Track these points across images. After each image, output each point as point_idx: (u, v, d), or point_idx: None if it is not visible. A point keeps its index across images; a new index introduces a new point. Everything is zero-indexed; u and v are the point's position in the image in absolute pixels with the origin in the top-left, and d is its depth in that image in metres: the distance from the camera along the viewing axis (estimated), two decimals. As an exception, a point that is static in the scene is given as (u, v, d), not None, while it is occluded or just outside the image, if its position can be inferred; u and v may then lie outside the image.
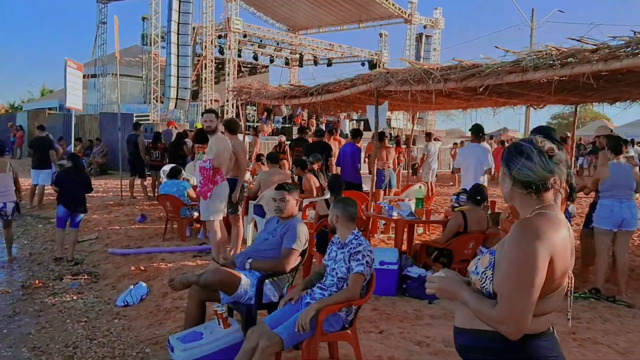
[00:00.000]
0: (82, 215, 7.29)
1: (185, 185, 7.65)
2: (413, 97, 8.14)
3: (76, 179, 7.04)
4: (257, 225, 7.26)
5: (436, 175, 14.00)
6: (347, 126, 25.09)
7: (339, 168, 9.21)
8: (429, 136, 13.25)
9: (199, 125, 16.15)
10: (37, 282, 6.05)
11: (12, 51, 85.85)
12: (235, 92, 11.69)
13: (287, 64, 28.50)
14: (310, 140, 12.75)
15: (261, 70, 29.34)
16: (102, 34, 25.07)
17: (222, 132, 6.36)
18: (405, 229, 6.22)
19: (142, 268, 6.20)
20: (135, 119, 17.21)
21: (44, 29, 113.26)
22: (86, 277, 6.21)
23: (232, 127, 6.35)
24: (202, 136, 12.40)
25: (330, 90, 8.43)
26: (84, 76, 15.59)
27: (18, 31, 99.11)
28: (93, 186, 12.86)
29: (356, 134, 8.67)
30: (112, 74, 25.83)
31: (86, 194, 7.26)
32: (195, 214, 7.73)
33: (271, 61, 27.82)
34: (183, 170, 8.59)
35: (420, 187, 7.56)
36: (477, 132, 6.89)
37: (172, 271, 6.03)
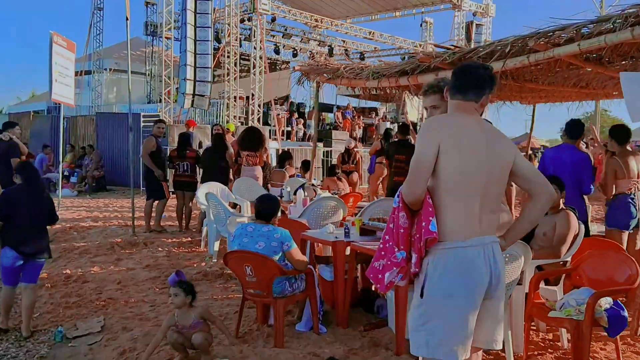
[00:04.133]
0: (42, 260, 4.36)
1: (283, 235, 3.74)
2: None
3: (32, 205, 4.23)
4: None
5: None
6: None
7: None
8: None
9: (232, 127, 12.32)
10: None
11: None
12: (304, 73, 7.90)
13: (312, 58, 24.72)
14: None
15: (281, 67, 25.54)
16: (97, 22, 21.23)
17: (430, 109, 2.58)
18: None
19: None
20: (142, 119, 13.41)
21: (32, 26, 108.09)
22: None
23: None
24: (251, 139, 8.62)
25: (518, 53, 4.70)
26: (76, 73, 11.90)
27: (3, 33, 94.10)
28: (91, 208, 9.00)
29: (577, 129, 4.77)
30: (110, 69, 22.03)
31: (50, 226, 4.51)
32: (302, 286, 3.90)
33: (294, 55, 24.04)
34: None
35: None
36: None
37: None
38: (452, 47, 5.12)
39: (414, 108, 26.06)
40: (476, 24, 22.82)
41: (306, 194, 6.41)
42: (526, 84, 5.81)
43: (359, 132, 20.33)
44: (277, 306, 3.71)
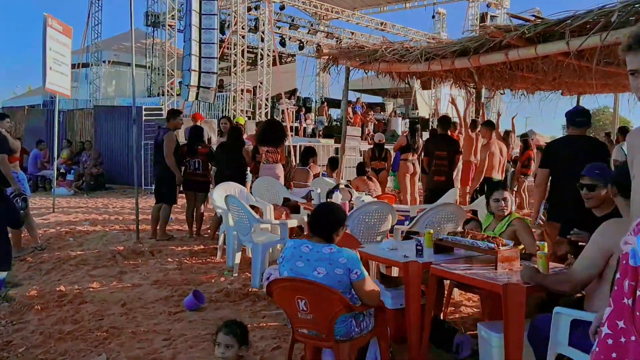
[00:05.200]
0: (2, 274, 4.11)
1: (350, 259, 2.75)
2: None
3: None
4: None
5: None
6: (400, 125, 20.40)
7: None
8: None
9: (241, 120, 11.39)
10: None
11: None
12: (332, 58, 6.98)
13: (318, 51, 23.73)
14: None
15: (286, 60, 24.53)
16: (95, 13, 20.20)
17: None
18: None
19: None
20: (144, 112, 12.46)
21: (26, 18, 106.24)
22: None
23: None
24: (271, 132, 7.65)
25: (622, 24, 3.77)
26: (73, 66, 10.99)
27: None
28: (89, 209, 8.17)
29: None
30: (109, 61, 21.03)
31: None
32: (371, 324, 2.96)
33: (300, 48, 23.04)
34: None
35: None
36: None
37: None
38: (532, 19, 4.18)
39: (425, 103, 25.14)
40: (490, 16, 21.86)
41: (342, 196, 5.48)
42: (610, 69, 4.89)
43: (370, 128, 19.40)
44: (340, 351, 2.78)
